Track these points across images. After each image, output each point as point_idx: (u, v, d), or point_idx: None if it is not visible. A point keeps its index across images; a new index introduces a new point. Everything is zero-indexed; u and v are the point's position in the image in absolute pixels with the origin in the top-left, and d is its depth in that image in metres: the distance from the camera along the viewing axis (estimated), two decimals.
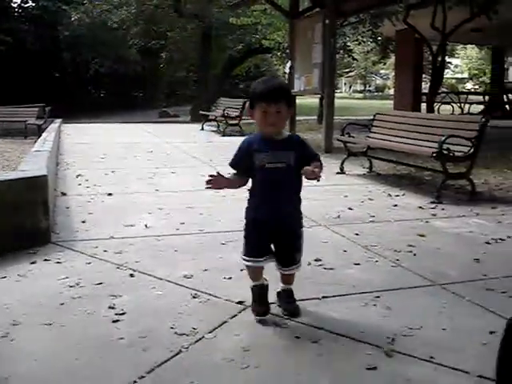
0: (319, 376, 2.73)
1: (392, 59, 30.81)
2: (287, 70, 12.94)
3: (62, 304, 3.50)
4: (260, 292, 3.35)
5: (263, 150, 3.14)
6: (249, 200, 3.31)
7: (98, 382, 2.67)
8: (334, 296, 3.70)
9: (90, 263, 4.27)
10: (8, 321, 3.27)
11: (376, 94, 66.07)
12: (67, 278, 3.94)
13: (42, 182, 4.82)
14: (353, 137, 9.20)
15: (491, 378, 2.70)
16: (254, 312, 3.33)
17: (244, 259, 3.30)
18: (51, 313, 3.38)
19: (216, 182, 3.14)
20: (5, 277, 3.97)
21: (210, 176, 3.14)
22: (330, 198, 6.89)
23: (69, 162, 9.52)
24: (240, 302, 3.48)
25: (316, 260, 4.38)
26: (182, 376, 2.66)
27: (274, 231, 3.25)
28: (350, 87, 75.16)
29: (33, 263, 4.25)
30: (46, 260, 4.33)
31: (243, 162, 3.21)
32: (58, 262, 4.28)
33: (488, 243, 4.98)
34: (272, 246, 3.33)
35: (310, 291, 3.72)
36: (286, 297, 3.43)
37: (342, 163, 8.90)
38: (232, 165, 3.25)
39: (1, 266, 4.17)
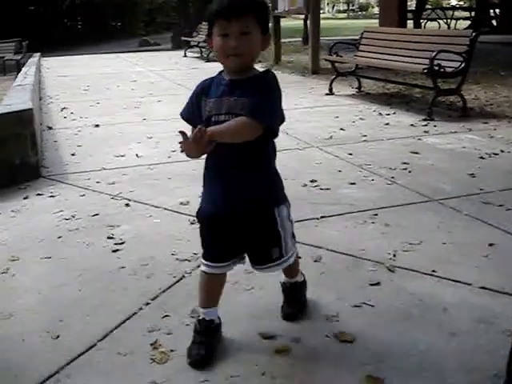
0: (324, 293, 2.74)
1: None
2: None
3: (59, 237, 3.47)
4: (205, 330, 2.36)
5: (212, 95, 2.16)
6: (204, 185, 2.31)
7: (103, 312, 2.67)
8: (332, 215, 3.70)
9: (83, 195, 4.22)
10: (7, 256, 3.24)
11: (360, 13, 64.81)
12: (62, 211, 3.90)
13: (28, 116, 4.70)
14: (341, 56, 9.03)
15: (493, 288, 2.74)
16: (188, 358, 2.31)
17: (202, 263, 2.35)
18: (50, 246, 3.36)
19: (187, 147, 2.09)
20: None
21: (182, 139, 2.10)
22: (321, 119, 6.81)
23: (52, 96, 9.30)
24: None
25: (311, 181, 4.36)
26: (188, 299, 2.67)
27: (237, 225, 2.25)
28: (333, 7, 73.63)
29: (25, 198, 4.20)
30: (38, 194, 4.27)
31: (193, 114, 2.22)
32: (51, 196, 4.22)
33: (482, 158, 4.97)
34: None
35: (308, 211, 3.72)
36: (287, 295, 2.64)
37: (331, 84, 8.77)
38: (182, 115, 2.27)
39: None
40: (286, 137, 5.68)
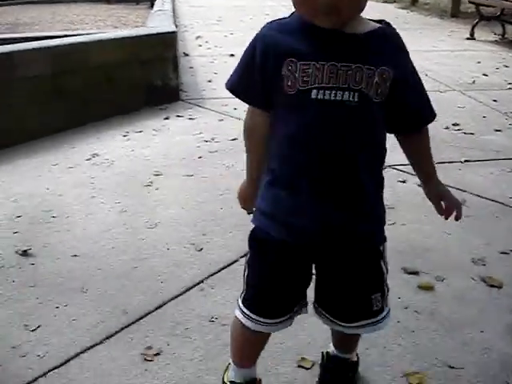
0: (471, 236, 2.64)
1: None
2: None
3: (200, 157, 3.55)
4: None
5: (308, 56, 1.32)
6: (265, 187, 1.49)
7: (244, 230, 2.70)
8: (476, 161, 3.53)
9: (221, 120, 4.28)
10: (150, 171, 3.36)
11: None
12: (201, 133, 3.97)
13: (171, 39, 4.79)
14: None
15: None
16: None
17: (239, 307, 1.58)
18: (191, 165, 3.44)
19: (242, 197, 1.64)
20: (141, 131, 4.06)
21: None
22: (462, 63, 6.46)
23: (186, 25, 9.43)
24: None
25: (454, 124, 4.18)
26: None
27: (320, 254, 1.49)
28: None
29: (166, 119, 4.31)
30: (178, 116, 4.38)
31: (253, 86, 1.41)
32: (191, 119, 4.31)
33: None
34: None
35: (451, 155, 3.57)
36: (331, 374, 1.81)
37: (473, 28, 8.27)
38: (231, 87, 1.48)
39: (136, 121, 4.25)
40: (426, 78, 5.43)
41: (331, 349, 1.82)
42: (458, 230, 2.60)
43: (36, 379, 1.89)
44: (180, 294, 2.27)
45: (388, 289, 1.56)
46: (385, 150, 1.45)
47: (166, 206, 2.95)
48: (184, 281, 2.35)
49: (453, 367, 1.91)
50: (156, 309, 2.20)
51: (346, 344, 1.77)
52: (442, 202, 1.53)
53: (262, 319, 1.52)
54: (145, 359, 1.96)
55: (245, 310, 1.54)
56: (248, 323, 1.53)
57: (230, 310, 2.07)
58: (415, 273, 2.37)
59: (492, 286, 2.30)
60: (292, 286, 1.51)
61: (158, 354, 1.97)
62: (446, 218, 1.55)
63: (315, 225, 1.40)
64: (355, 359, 1.84)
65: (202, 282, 2.35)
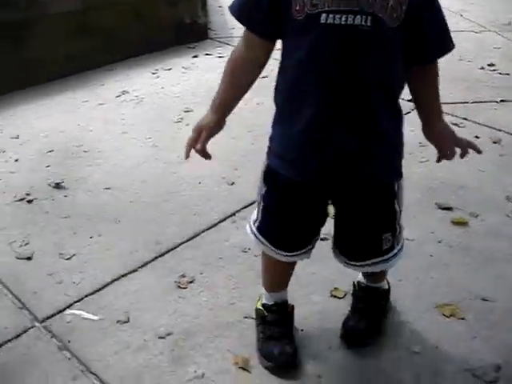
0: (504, 174, 2.61)
1: None
2: None
3: None
4: (275, 319, 1.73)
5: None
6: (273, 126, 1.51)
7: None
8: None
9: None
10: (181, 107, 3.34)
11: None
12: None
13: None
14: None
15: None
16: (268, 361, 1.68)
17: (257, 238, 1.61)
18: None
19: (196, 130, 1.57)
20: (170, 69, 4.02)
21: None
22: (497, 4, 6.21)
23: None
24: None
25: (489, 65, 4.06)
26: None
27: (334, 190, 1.49)
28: None
29: (195, 57, 4.26)
30: (207, 54, 4.32)
31: (256, 9, 1.34)
32: (220, 57, 4.25)
33: None
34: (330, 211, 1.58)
35: (487, 94, 3.48)
36: (362, 303, 1.81)
37: None
38: (234, 11, 1.39)
39: (165, 59, 4.20)
40: (461, 19, 5.27)
41: (361, 279, 1.83)
42: (492, 168, 2.56)
43: (72, 305, 1.94)
44: (212, 226, 2.29)
45: (401, 228, 1.56)
46: (402, 79, 1.38)
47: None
48: (216, 213, 2.37)
49: (486, 300, 1.91)
50: (189, 239, 2.22)
51: (373, 276, 1.78)
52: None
53: (275, 249, 1.57)
54: (178, 287, 1.99)
55: (259, 237, 1.58)
56: (263, 247, 1.60)
57: None
58: (449, 208, 2.35)
59: None
60: (304, 223, 1.52)
61: (191, 282, 2.00)
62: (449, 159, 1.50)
63: (326, 155, 1.38)
64: (386, 287, 1.85)
65: (234, 214, 2.36)
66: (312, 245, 1.59)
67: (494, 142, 2.89)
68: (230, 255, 2.13)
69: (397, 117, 1.42)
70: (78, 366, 1.71)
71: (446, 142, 1.47)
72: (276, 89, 1.44)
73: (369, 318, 1.76)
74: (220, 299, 1.93)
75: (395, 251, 1.56)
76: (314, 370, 1.68)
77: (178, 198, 2.49)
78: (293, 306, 1.77)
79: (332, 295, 1.93)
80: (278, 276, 1.72)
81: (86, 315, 1.89)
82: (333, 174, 1.41)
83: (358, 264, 1.59)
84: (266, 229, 1.57)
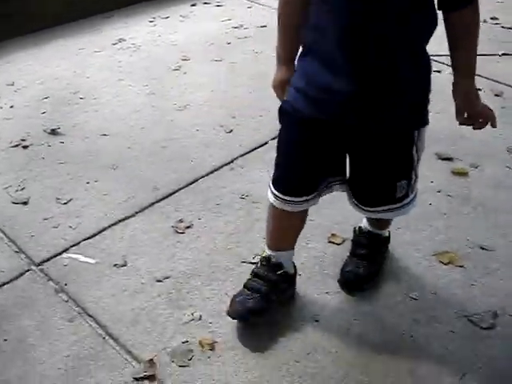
0: (506, 127, 2.55)
1: None
2: None
3: (228, 43, 3.45)
4: (257, 272, 1.66)
5: None
6: (298, 61, 1.47)
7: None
8: None
9: (250, 7, 4.11)
10: (178, 56, 3.28)
11: None
12: (230, 20, 3.84)
13: None
14: None
15: None
16: (229, 311, 1.62)
17: (270, 191, 1.57)
18: (219, 50, 3.35)
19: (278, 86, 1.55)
20: (167, 17, 3.93)
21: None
22: None
23: None
24: None
25: (492, 18, 3.98)
26: None
27: (352, 133, 1.44)
28: None
29: (193, 5, 4.16)
30: (205, 3, 4.22)
31: None
32: (219, 5, 4.16)
33: None
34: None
35: (489, 47, 3.41)
36: (363, 249, 1.79)
37: None
38: None
39: (162, 7, 4.11)
40: None
41: (364, 224, 1.81)
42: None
43: (69, 248, 1.93)
44: (210, 172, 2.27)
45: (416, 176, 1.53)
46: (430, 26, 1.32)
47: (195, 89, 2.89)
48: (214, 160, 2.34)
49: (484, 248, 1.91)
50: (186, 185, 2.20)
51: (379, 223, 1.77)
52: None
53: (287, 197, 1.51)
54: (176, 231, 1.98)
55: (274, 191, 1.54)
56: (276, 202, 1.53)
57: (260, 188, 2.08)
58: (449, 159, 2.33)
59: None
60: (312, 162, 1.47)
61: (189, 227, 1.99)
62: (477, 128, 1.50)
63: (349, 95, 1.33)
64: (387, 234, 1.84)
65: (232, 161, 2.34)
66: (319, 191, 1.53)
67: (496, 95, 2.86)
68: (228, 201, 2.11)
69: (420, 65, 1.37)
70: (74, 308, 1.71)
71: (469, 105, 1.42)
72: (306, 26, 1.38)
73: (368, 263, 1.76)
74: (217, 244, 1.92)
75: (409, 200, 1.54)
76: (311, 314, 1.68)
77: (175, 145, 2.46)
78: (291, 275, 1.69)
79: (330, 241, 1.92)
80: (279, 230, 1.64)
81: (83, 259, 1.88)
82: (353, 114, 1.37)
83: (371, 210, 1.57)
84: (276, 172, 1.54)
